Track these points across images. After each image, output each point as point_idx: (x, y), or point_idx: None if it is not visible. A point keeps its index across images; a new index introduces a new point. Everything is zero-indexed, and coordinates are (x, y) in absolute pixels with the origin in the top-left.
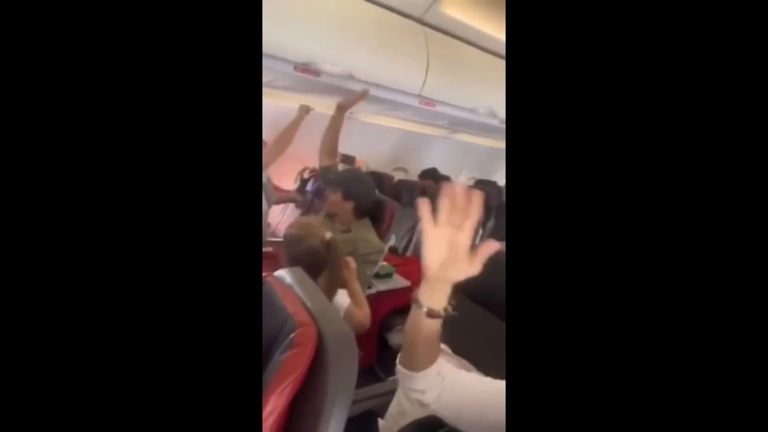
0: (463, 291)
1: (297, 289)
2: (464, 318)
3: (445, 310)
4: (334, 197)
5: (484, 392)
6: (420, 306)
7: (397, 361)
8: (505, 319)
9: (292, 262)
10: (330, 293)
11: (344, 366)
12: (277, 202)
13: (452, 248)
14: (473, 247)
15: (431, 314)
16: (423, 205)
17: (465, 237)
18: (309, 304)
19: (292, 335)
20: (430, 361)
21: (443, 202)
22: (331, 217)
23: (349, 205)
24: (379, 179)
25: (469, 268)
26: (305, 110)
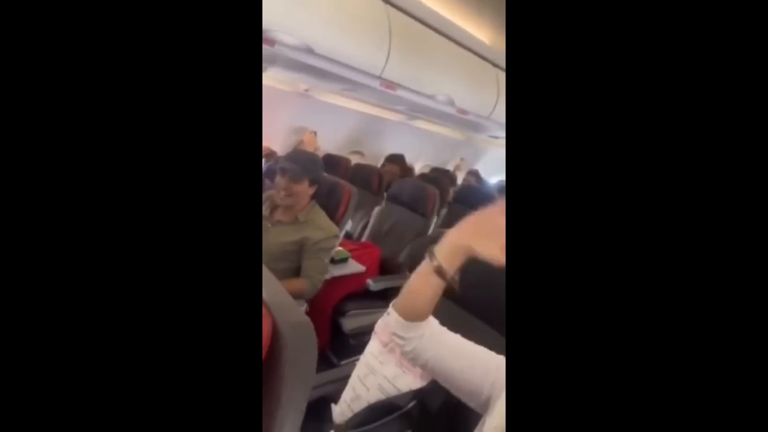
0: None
1: None
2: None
3: (452, 278)
4: (300, 187)
5: (460, 354)
6: (433, 258)
7: (392, 303)
8: (488, 323)
9: None
10: None
11: (302, 359)
12: None
13: (492, 227)
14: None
15: (439, 271)
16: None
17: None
18: (263, 293)
19: None
20: (422, 316)
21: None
22: (274, 208)
23: (311, 191)
24: (335, 162)
25: (496, 252)
26: None
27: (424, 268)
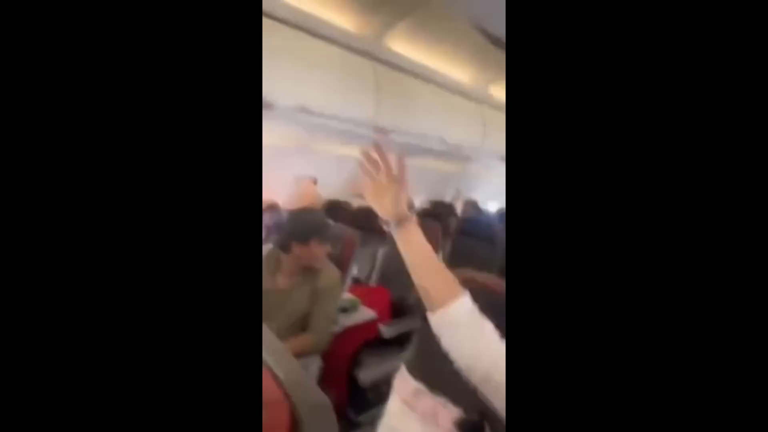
0: None
1: (263, 353)
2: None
3: (409, 214)
4: (321, 249)
5: (497, 351)
6: (387, 224)
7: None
8: None
9: None
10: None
11: None
12: None
13: (387, 192)
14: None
15: (399, 219)
16: (362, 166)
17: (397, 185)
18: (280, 373)
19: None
20: (448, 293)
21: (364, 167)
22: (277, 269)
23: (323, 250)
24: (337, 207)
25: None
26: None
27: (396, 238)
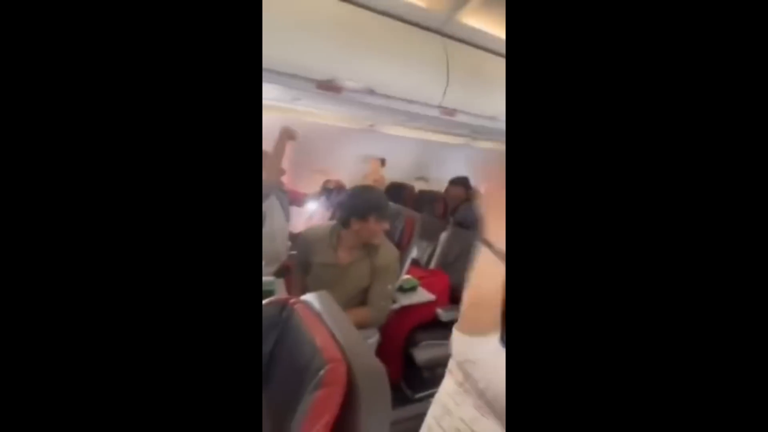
0: None
1: (326, 317)
2: None
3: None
4: (378, 225)
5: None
6: (491, 245)
7: (454, 327)
8: None
9: None
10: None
11: (377, 406)
12: (297, 204)
13: None
14: None
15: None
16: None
17: None
18: (339, 336)
19: (321, 373)
20: (491, 325)
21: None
22: (339, 244)
23: (381, 227)
24: (400, 190)
25: None
26: (287, 135)
27: (485, 260)
